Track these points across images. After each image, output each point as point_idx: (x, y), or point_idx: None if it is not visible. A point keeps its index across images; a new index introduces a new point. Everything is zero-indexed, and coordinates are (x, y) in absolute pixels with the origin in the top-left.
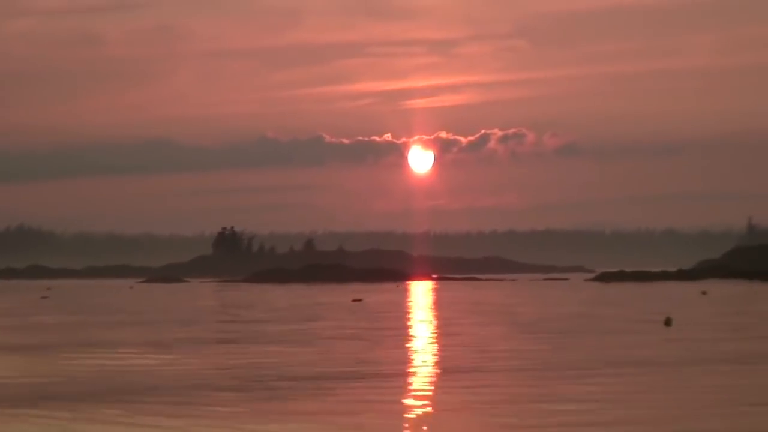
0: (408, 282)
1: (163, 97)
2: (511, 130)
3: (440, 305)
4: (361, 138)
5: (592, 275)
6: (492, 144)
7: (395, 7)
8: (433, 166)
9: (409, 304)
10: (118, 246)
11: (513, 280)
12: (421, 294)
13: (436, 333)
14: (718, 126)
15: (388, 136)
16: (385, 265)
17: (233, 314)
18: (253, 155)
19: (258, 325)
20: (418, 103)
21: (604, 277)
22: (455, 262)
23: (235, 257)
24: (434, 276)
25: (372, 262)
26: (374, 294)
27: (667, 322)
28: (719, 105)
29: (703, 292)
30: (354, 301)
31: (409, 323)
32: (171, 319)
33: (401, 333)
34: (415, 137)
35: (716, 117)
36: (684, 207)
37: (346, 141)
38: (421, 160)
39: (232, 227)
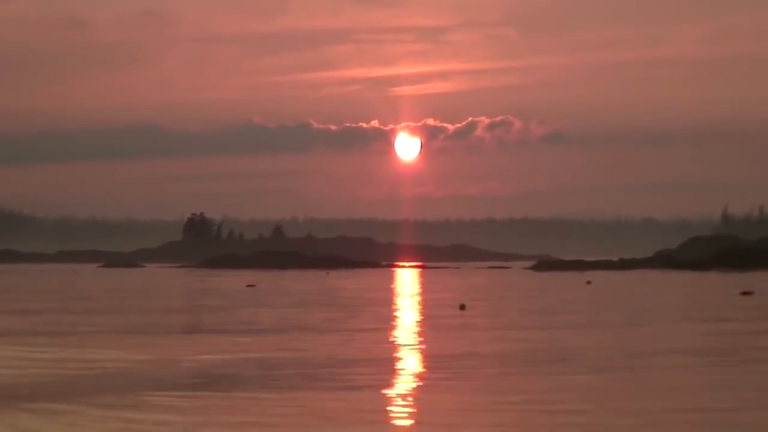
0: (355, 269)
1: (151, 82)
2: (499, 118)
3: (312, 292)
4: (348, 124)
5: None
6: (479, 132)
7: None
8: (419, 153)
9: (296, 290)
10: (98, 231)
11: (457, 268)
12: (326, 281)
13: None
14: (705, 115)
15: (375, 123)
16: (350, 252)
17: (101, 301)
18: (240, 141)
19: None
20: (406, 90)
21: (540, 266)
22: (421, 250)
23: (203, 243)
24: (384, 263)
25: (337, 249)
26: (289, 281)
27: (462, 307)
28: (707, 94)
29: (588, 282)
30: (248, 286)
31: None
32: (29, 307)
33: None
34: (403, 124)
35: (704, 106)
36: (667, 196)
37: (333, 127)
38: (408, 147)
39: (202, 213)
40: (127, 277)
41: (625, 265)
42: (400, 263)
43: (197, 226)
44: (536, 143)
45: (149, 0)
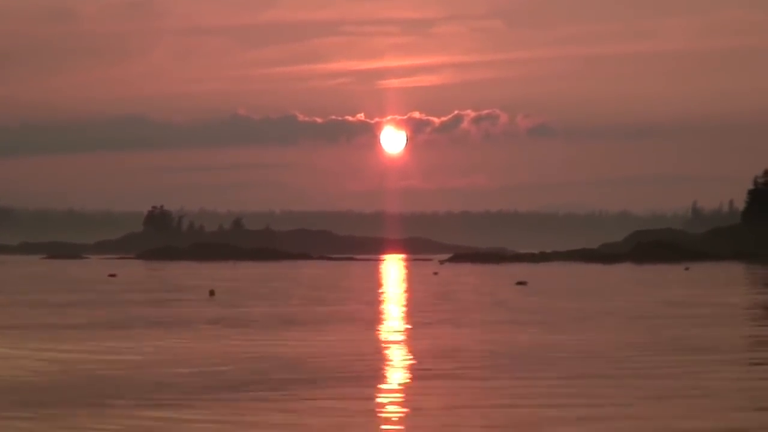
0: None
1: (137, 73)
2: (485, 111)
3: (179, 278)
4: (334, 117)
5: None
6: (465, 125)
7: None
8: (405, 146)
9: (157, 278)
10: (74, 223)
11: (382, 260)
12: (215, 271)
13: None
14: (689, 109)
15: (361, 116)
16: (307, 246)
17: None
18: (225, 133)
19: None
20: (392, 83)
21: (454, 258)
22: (375, 243)
23: (161, 235)
24: (315, 256)
25: (294, 241)
26: (168, 271)
27: (211, 293)
28: (692, 88)
29: (435, 273)
30: (109, 275)
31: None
32: None
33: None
34: (388, 117)
35: (688, 100)
36: (645, 189)
37: (319, 120)
38: (393, 140)
39: (162, 206)
40: (33, 268)
41: (544, 258)
42: (334, 256)
43: (157, 219)
44: (522, 136)
45: None
